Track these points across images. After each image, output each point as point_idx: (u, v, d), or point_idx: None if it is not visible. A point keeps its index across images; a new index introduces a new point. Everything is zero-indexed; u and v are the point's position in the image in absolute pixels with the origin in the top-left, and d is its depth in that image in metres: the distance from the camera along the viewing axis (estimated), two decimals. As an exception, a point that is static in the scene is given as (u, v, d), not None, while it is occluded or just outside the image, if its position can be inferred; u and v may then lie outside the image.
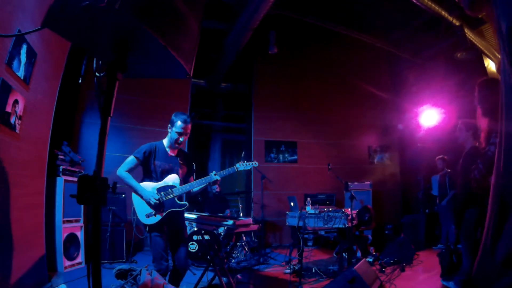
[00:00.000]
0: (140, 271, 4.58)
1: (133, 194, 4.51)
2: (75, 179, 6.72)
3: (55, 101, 6.05)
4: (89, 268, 1.75)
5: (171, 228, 4.64)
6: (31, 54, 4.83)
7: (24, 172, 4.95)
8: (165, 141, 4.85)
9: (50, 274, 5.81)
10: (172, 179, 4.62)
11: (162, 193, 4.49)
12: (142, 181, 4.61)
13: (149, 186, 4.53)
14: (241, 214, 9.38)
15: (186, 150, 10.03)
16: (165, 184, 4.58)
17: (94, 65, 1.99)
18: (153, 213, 4.44)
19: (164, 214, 4.46)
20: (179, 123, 4.69)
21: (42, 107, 5.54)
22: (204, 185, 4.74)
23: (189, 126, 4.76)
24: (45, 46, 5.35)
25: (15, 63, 4.40)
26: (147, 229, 4.54)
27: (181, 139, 4.72)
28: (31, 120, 5.04)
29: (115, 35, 1.79)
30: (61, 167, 6.64)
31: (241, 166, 5.04)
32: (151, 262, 4.70)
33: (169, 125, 4.79)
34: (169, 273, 4.60)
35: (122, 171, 4.48)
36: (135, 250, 9.01)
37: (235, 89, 13.36)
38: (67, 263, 6.44)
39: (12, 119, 4.45)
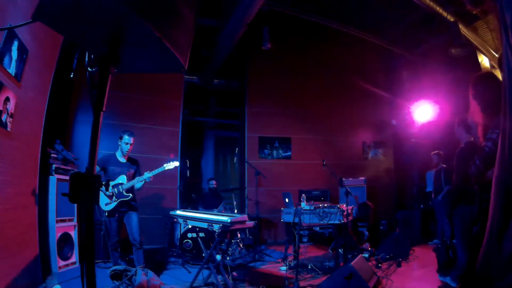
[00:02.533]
0: (136, 271, 4.55)
1: None
2: (68, 177, 6.66)
3: (47, 98, 5.99)
4: (83, 268, 1.70)
5: (123, 213, 6.29)
6: (22, 50, 4.77)
7: (16, 171, 4.89)
8: (118, 152, 6.52)
9: (44, 275, 5.75)
10: (121, 179, 6.26)
11: (115, 188, 6.15)
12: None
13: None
14: (236, 211, 9.35)
15: (179, 147, 10.11)
16: (116, 182, 6.21)
17: (86, 60, 1.94)
18: (109, 202, 6.09)
19: (116, 202, 6.13)
20: (126, 136, 6.37)
21: (34, 104, 5.48)
22: (142, 181, 6.28)
23: (133, 138, 6.46)
24: (37, 42, 5.28)
25: (6, 59, 4.34)
26: (106, 214, 6.13)
27: (128, 147, 6.41)
28: (23, 118, 4.98)
29: (108, 27, 1.74)
30: (54, 165, 6.56)
31: (167, 165, 6.53)
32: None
33: (119, 139, 6.42)
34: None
35: None
36: (130, 249, 8.96)
37: (228, 86, 13.31)
38: (61, 263, 6.37)
39: (4, 117, 4.39)
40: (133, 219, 6.32)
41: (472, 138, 4.99)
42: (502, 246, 2.05)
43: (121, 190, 6.16)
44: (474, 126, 4.00)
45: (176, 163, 6.60)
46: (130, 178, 6.39)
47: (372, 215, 9.87)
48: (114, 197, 6.12)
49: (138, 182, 6.26)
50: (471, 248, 4.62)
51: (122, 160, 6.46)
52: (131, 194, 6.27)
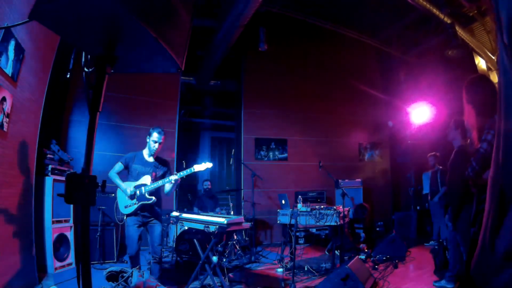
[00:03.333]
0: (132, 272, 4.53)
1: (118, 190, 5.59)
2: (64, 178, 6.64)
3: (44, 98, 5.98)
4: (79, 269, 1.69)
5: (146, 219, 5.57)
6: (19, 50, 4.76)
7: (12, 172, 4.87)
8: (145, 150, 5.79)
9: (40, 276, 5.72)
10: (144, 179, 5.52)
11: (137, 190, 5.45)
12: (125, 181, 5.61)
13: (128, 183, 5.53)
14: (232, 213, 9.34)
15: (175, 147, 10.04)
16: (139, 183, 5.49)
17: (83, 60, 1.93)
18: (130, 204, 5.43)
19: (137, 205, 5.40)
20: (154, 134, 5.62)
21: (30, 104, 5.47)
22: (167, 183, 5.54)
23: (163, 137, 5.72)
24: (33, 42, 5.27)
25: (2, 59, 4.32)
26: (125, 217, 5.54)
27: (155, 146, 5.65)
28: (19, 118, 4.97)
29: (104, 27, 1.73)
30: (50, 166, 6.54)
31: (197, 167, 5.72)
32: (141, 262, 5.12)
33: (147, 136, 5.68)
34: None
35: (112, 173, 5.56)
36: (126, 250, 8.94)
37: (224, 87, 13.33)
38: (57, 264, 6.34)
39: (0, 117, 4.37)
40: (156, 229, 5.61)
41: (468, 141, 5.01)
42: (495, 246, 2.06)
43: (143, 192, 5.41)
44: (469, 129, 4.00)
45: (209, 164, 5.78)
46: (156, 180, 5.58)
47: (369, 217, 9.89)
48: (135, 199, 5.41)
49: (162, 184, 5.48)
50: (469, 249, 4.64)
51: (150, 159, 5.71)
52: (154, 198, 5.45)
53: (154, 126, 5.72)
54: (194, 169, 5.63)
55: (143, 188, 5.43)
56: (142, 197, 5.41)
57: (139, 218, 5.48)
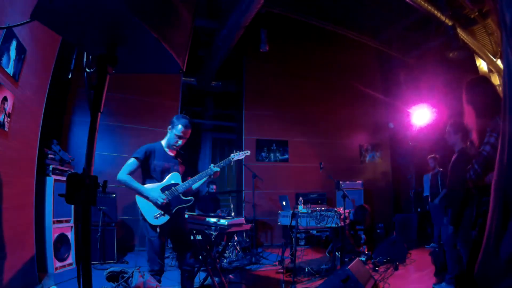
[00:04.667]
0: (132, 273, 4.53)
1: (137, 197, 4.52)
2: (65, 178, 6.64)
3: (45, 98, 5.97)
4: (79, 269, 1.69)
5: (175, 230, 4.68)
6: (20, 50, 4.76)
7: (13, 171, 4.87)
8: (164, 142, 4.87)
9: (40, 275, 5.72)
10: (173, 177, 4.68)
11: (166, 192, 4.54)
12: (144, 182, 4.63)
13: (152, 186, 4.55)
14: (233, 214, 9.34)
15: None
16: (168, 183, 4.61)
17: (84, 60, 1.93)
18: (161, 213, 4.45)
19: (172, 212, 4.52)
20: (179, 126, 4.70)
21: (31, 104, 5.47)
22: (205, 178, 4.78)
23: (189, 131, 4.79)
24: (35, 42, 5.27)
25: (4, 59, 4.33)
26: (158, 230, 4.46)
27: (179, 142, 4.75)
28: (20, 118, 4.96)
29: (106, 27, 1.73)
30: (51, 166, 6.55)
31: (236, 155, 5.05)
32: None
33: (169, 126, 4.79)
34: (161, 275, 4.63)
35: (123, 174, 4.45)
36: (126, 250, 8.95)
37: (225, 88, 13.32)
38: (58, 264, 6.35)
39: (1, 117, 4.37)
40: (188, 236, 4.95)
41: (468, 143, 5.00)
42: (499, 250, 2.05)
43: (176, 193, 4.58)
44: (469, 130, 3.99)
45: (248, 152, 5.24)
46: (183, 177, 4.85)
47: (369, 218, 9.88)
48: (169, 206, 4.54)
49: (200, 180, 4.77)
50: (470, 252, 4.63)
51: (171, 153, 4.86)
52: (192, 198, 4.72)
53: (178, 115, 4.84)
54: (232, 158, 5.02)
55: (174, 188, 4.59)
56: (177, 200, 4.58)
57: (171, 224, 4.59)
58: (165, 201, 4.43)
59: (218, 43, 9.87)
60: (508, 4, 1.79)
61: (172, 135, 4.74)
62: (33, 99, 5.55)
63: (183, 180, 4.77)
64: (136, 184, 4.46)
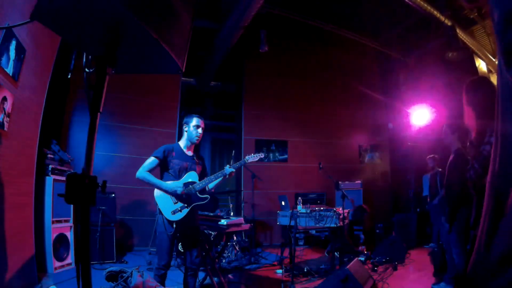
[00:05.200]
0: (131, 272, 4.54)
1: (156, 194, 4.67)
2: (64, 178, 6.64)
3: (44, 98, 5.98)
4: (78, 269, 1.70)
5: (188, 226, 4.79)
6: (20, 50, 4.76)
7: (12, 171, 4.87)
8: (182, 142, 5.03)
9: (40, 275, 5.73)
10: (190, 176, 4.83)
11: (186, 189, 4.70)
12: (162, 180, 4.76)
13: (174, 183, 4.69)
14: (232, 214, 9.34)
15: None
16: (185, 181, 4.76)
17: (84, 61, 1.94)
18: (179, 208, 4.64)
19: (188, 209, 4.69)
20: (194, 119, 4.94)
21: (31, 104, 5.47)
22: (221, 178, 4.92)
23: (203, 121, 5.04)
24: (35, 42, 5.27)
25: (3, 59, 4.33)
26: (174, 225, 4.61)
27: (199, 131, 4.95)
28: (19, 118, 4.97)
29: (105, 28, 1.74)
30: (50, 166, 6.56)
31: (250, 158, 5.20)
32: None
33: (184, 125, 5.00)
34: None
35: (143, 171, 4.60)
36: (125, 250, 8.95)
37: (225, 88, 13.34)
38: (57, 264, 6.36)
39: (0, 117, 4.38)
40: (198, 235, 4.99)
41: (468, 144, 5.01)
42: (490, 250, 2.06)
43: (193, 191, 4.75)
44: (467, 132, 4.00)
45: (261, 155, 5.31)
46: (201, 177, 4.99)
47: (368, 219, 9.89)
48: (187, 200, 4.74)
49: (216, 179, 4.92)
50: (468, 251, 4.64)
51: (188, 153, 5.00)
52: (208, 196, 4.90)
53: (187, 115, 5.07)
54: (247, 160, 5.17)
55: (191, 187, 4.75)
56: (193, 197, 4.77)
57: (188, 222, 4.76)
58: (184, 191, 4.63)
59: (217, 43, 9.88)
60: (497, 1, 1.80)
61: (190, 130, 4.93)
62: (33, 99, 5.55)
63: (200, 180, 4.88)
64: (155, 180, 4.61)
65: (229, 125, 14.36)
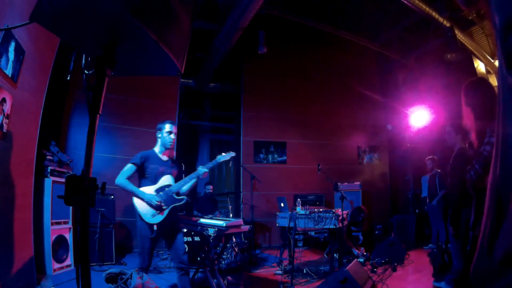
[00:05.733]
0: (131, 274, 4.54)
1: (134, 199, 4.82)
2: (63, 180, 6.64)
3: (43, 100, 5.97)
4: (78, 271, 1.70)
5: (169, 228, 4.96)
6: (19, 51, 4.76)
7: (11, 173, 4.87)
8: (157, 148, 5.22)
9: (39, 277, 5.73)
10: (166, 179, 5.03)
11: (161, 193, 4.89)
12: (140, 185, 4.95)
13: (147, 189, 4.88)
14: (231, 215, 9.34)
15: (174, 151, 9.96)
16: (161, 185, 4.96)
17: (83, 62, 1.94)
18: (157, 212, 4.81)
19: (167, 211, 4.85)
20: (166, 125, 5.15)
21: (30, 106, 5.46)
22: (195, 179, 5.11)
23: (175, 126, 5.24)
24: (34, 43, 5.27)
25: (3, 60, 4.33)
26: (155, 227, 4.78)
27: (172, 136, 5.13)
28: (18, 119, 4.96)
29: (105, 29, 1.74)
30: (49, 167, 6.55)
31: (222, 157, 5.39)
32: (135, 266, 4.89)
33: (158, 131, 5.21)
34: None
35: (121, 179, 4.78)
36: (124, 252, 8.95)
37: (223, 89, 13.34)
38: (56, 265, 6.36)
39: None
40: (180, 234, 5.06)
41: (466, 144, 5.00)
42: (493, 251, 2.06)
43: (170, 193, 4.93)
44: (469, 132, 3.99)
45: (232, 153, 5.48)
46: (177, 180, 5.18)
47: (366, 220, 9.88)
48: (162, 206, 4.85)
49: (191, 180, 5.09)
50: (468, 253, 4.63)
51: (163, 157, 5.19)
52: (185, 197, 5.07)
53: (160, 122, 5.24)
54: (219, 160, 5.37)
55: (167, 189, 4.95)
56: (170, 199, 4.93)
57: (167, 225, 4.92)
58: (158, 202, 4.78)
59: (216, 45, 9.89)
60: (498, 6, 1.79)
61: (164, 135, 5.14)
62: (32, 100, 5.55)
63: (176, 182, 5.10)
64: (132, 187, 4.79)
65: (228, 127, 14.38)
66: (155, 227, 4.78)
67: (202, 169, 5.12)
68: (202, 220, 5.60)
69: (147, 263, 4.84)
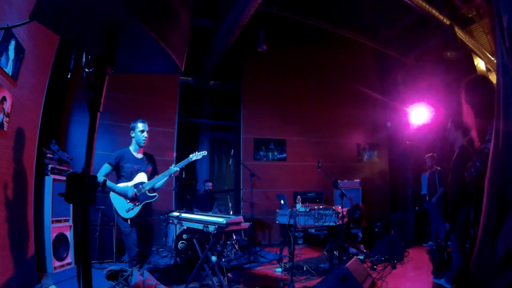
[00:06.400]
0: (132, 271, 4.55)
1: (112, 195, 5.33)
2: (64, 178, 6.65)
3: (43, 98, 5.98)
4: (79, 269, 1.70)
5: (141, 222, 5.46)
6: (19, 50, 4.77)
7: (11, 171, 4.88)
8: (131, 147, 5.64)
9: (39, 275, 5.73)
10: (141, 177, 5.45)
11: (135, 189, 5.31)
12: (117, 183, 5.41)
13: (123, 185, 5.32)
14: (231, 213, 9.35)
15: (174, 147, 9.99)
16: (136, 182, 5.38)
17: (83, 61, 1.94)
18: (131, 206, 5.26)
19: (140, 206, 5.30)
20: (138, 124, 5.54)
21: (30, 104, 5.47)
22: (167, 177, 5.53)
23: (147, 124, 5.63)
24: (34, 42, 5.28)
25: (3, 59, 4.33)
26: (128, 222, 5.27)
27: (145, 135, 5.54)
28: (19, 118, 4.97)
29: (104, 27, 1.75)
30: (50, 165, 6.55)
31: (194, 156, 5.88)
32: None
33: (131, 131, 5.58)
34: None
35: (99, 177, 4.84)
36: (125, 249, 8.94)
37: (223, 87, 13.32)
38: (57, 263, 6.36)
39: (0, 117, 4.38)
40: (151, 228, 5.56)
41: (466, 142, 5.00)
42: (495, 248, 2.07)
43: (143, 190, 5.33)
44: (469, 129, 3.99)
45: (204, 152, 5.99)
46: (151, 176, 5.59)
47: (364, 217, 9.89)
48: (137, 199, 5.31)
49: (163, 178, 5.48)
50: (467, 250, 4.64)
51: (138, 155, 5.60)
52: (157, 195, 5.48)
53: (133, 121, 5.62)
54: (191, 159, 5.82)
55: (141, 186, 5.35)
56: (144, 196, 5.35)
57: (141, 217, 5.40)
58: (133, 194, 5.24)
59: (215, 42, 9.88)
60: (507, 5, 1.80)
61: (138, 134, 5.52)
62: (32, 98, 5.56)
63: (150, 179, 5.53)
64: (110, 183, 5.20)
65: (228, 124, 14.38)
66: (128, 221, 5.25)
67: (173, 168, 5.53)
68: (202, 217, 5.64)
69: (135, 251, 5.24)
